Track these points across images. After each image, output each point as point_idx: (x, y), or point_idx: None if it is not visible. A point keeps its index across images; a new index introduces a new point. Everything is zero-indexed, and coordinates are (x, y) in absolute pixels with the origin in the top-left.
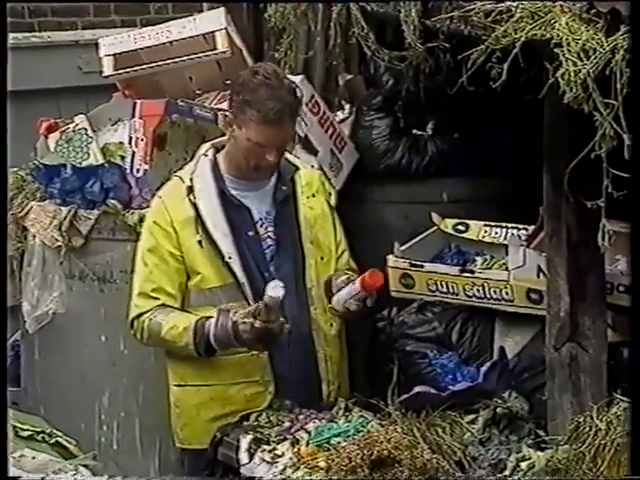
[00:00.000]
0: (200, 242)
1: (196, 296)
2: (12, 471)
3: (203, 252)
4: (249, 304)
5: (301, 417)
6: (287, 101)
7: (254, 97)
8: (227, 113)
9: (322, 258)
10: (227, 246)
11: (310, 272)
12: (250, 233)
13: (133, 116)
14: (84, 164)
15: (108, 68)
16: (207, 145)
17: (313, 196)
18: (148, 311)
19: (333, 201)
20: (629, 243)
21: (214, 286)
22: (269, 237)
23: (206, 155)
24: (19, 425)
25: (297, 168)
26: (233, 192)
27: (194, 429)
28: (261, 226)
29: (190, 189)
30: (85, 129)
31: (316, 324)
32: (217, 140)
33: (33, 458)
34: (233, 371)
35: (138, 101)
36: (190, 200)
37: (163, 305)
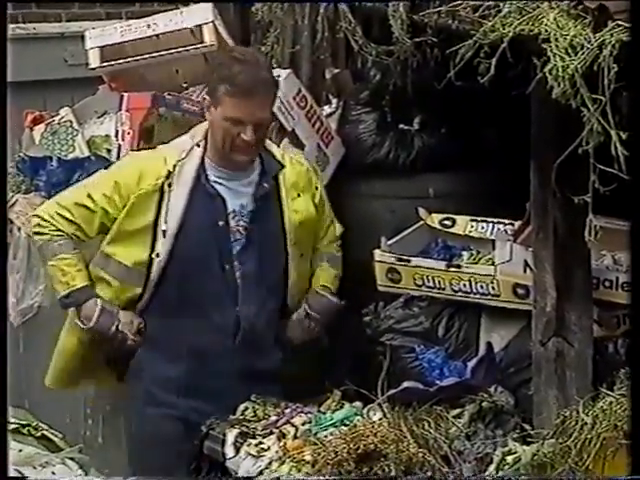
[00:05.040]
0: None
1: (105, 261)
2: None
3: (142, 234)
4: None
5: (287, 411)
6: (262, 77)
7: (227, 72)
8: (205, 96)
9: (302, 255)
10: (163, 245)
11: (292, 273)
12: (220, 223)
13: (119, 109)
14: (70, 157)
15: (94, 60)
16: (201, 132)
17: (299, 196)
18: (59, 230)
19: (318, 197)
20: (629, 240)
21: (130, 263)
22: (238, 231)
23: (199, 146)
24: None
25: (283, 166)
26: (212, 179)
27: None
28: (233, 218)
29: (168, 175)
30: (71, 122)
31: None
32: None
33: (20, 451)
34: None
35: (125, 94)
36: (162, 185)
37: (75, 236)
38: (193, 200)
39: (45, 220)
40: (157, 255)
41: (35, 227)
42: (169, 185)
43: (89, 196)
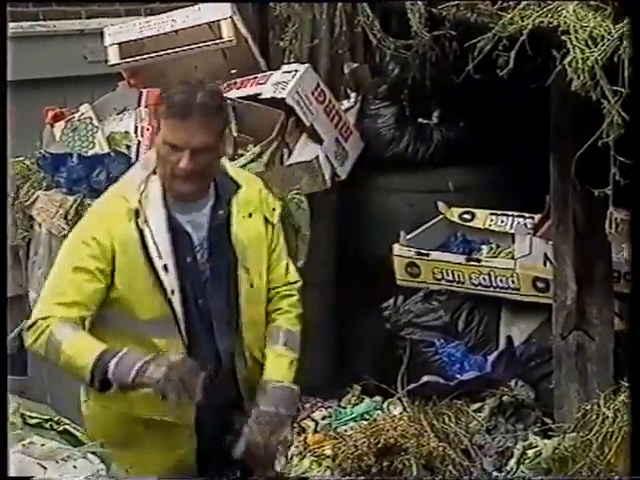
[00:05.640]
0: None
1: (124, 324)
2: (21, 458)
3: (143, 281)
4: (182, 339)
5: (307, 406)
6: (201, 101)
7: (167, 94)
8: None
9: (251, 285)
10: (170, 279)
11: (242, 299)
12: (188, 259)
13: (139, 105)
14: (90, 153)
15: (114, 57)
16: (153, 159)
17: (250, 216)
18: (62, 317)
19: (276, 218)
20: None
21: (148, 318)
22: (203, 264)
23: (155, 173)
24: (27, 413)
25: (239, 186)
26: (174, 212)
27: None
28: (198, 252)
29: (137, 213)
30: (90, 118)
31: (237, 349)
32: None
33: (42, 445)
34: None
35: (144, 90)
36: (137, 225)
37: (80, 318)
38: (169, 234)
39: (44, 318)
40: (172, 292)
41: (32, 334)
42: (144, 222)
43: (76, 269)
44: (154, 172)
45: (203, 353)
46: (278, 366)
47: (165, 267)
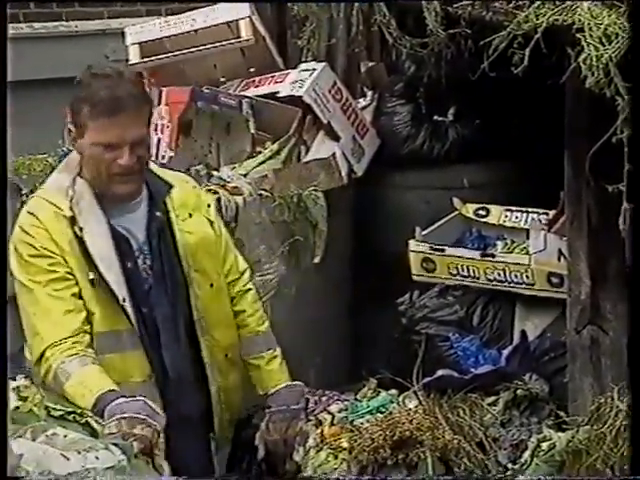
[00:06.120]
0: (92, 281)
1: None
2: (44, 449)
3: (94, 292)
4: (144, 348)
5: (324, 398)
6: (126, 91)
7: (86, 92)
8: (69, 126)
9: (212, 285)
10: (120, 286)
11: (197, 303)
12: (129, 265)
13: (159, 103)
14: None
15: (134, 56)
16: (74, 163)
17: (190, 216)
18: (71, 340)
19: (212, 214)
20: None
21: (103, 331)
22: (145, 271)
23: (81, 176)
24: (51, 405)
25: (171, 186)
26: (110, 219)
27: None
28: (138, 257)
29: (73, 220)
30: None
31: (208, 356)
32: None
33: (65, 436)
34: None
35: (164, 88)
36: (75, 233)
37: (88, 346)
38: (112, 240)
39: (48, 347)
40: (124, 300)
41: (42, 369)
42: (80, 230)
43: (49, 282)
44: (79, 175)
45: (152, 365)
46: (274, 371)
47: (115, 274)
